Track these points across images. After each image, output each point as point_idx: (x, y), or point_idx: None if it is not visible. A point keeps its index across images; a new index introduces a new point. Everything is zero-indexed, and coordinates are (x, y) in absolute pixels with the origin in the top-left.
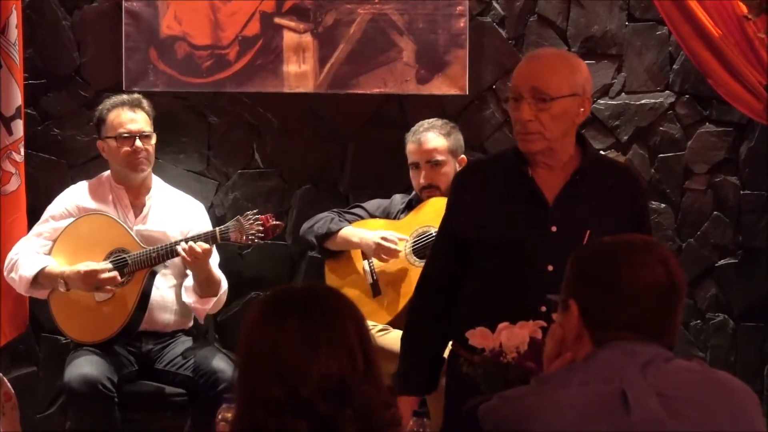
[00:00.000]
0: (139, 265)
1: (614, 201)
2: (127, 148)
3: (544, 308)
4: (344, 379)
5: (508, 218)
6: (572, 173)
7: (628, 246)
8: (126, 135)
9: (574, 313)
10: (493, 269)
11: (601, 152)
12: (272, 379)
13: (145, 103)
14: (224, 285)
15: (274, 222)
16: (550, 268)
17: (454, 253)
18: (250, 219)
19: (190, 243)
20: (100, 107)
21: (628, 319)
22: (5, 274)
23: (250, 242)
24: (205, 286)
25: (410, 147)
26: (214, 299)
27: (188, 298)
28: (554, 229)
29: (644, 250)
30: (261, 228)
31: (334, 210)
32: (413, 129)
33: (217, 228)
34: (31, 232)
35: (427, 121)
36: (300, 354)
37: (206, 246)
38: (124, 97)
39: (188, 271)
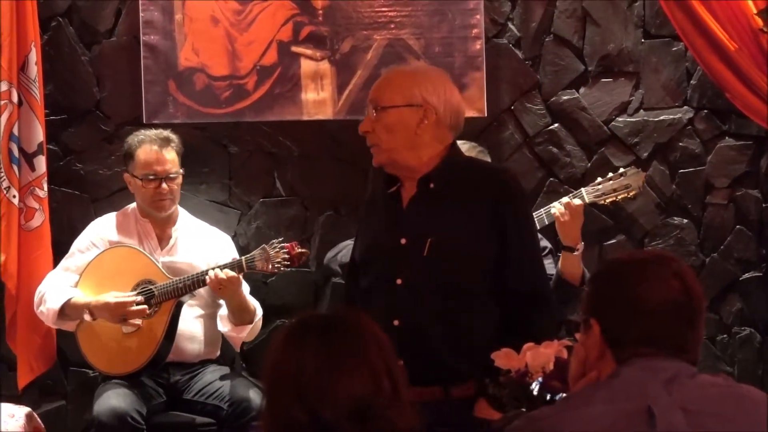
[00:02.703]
0: (166, 296)
1: (469, 206)
2: (151, 189)
3: (397, 322)
4: (368, 402)
5: (374, 236)
6: (418, 182)
7: (643, 262)
8: (152, 177)
9: (595, 331)
10: (363, 287)
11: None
12: (295, 402)
13: (174, 141)
14: (259, 312)
15: (300, 250)
16: (399, 281)
17: (352, 282)
18: (275, 247)
19: (216, 271)
20: (129, 140)
21: (647, 335)
22: (35, 308)
23: (276, 270)
24: (240, 314)
25: None
26: (250, 327)
27: (223, 327)
28: (403, 241)
29: (659, 265)
30: (287, 256)
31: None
32: None
33: (243, 257)
34: (59, 265)
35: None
36: (321, 376)
37: (232, 274)
38: (153, 133)
39: (221, 301)
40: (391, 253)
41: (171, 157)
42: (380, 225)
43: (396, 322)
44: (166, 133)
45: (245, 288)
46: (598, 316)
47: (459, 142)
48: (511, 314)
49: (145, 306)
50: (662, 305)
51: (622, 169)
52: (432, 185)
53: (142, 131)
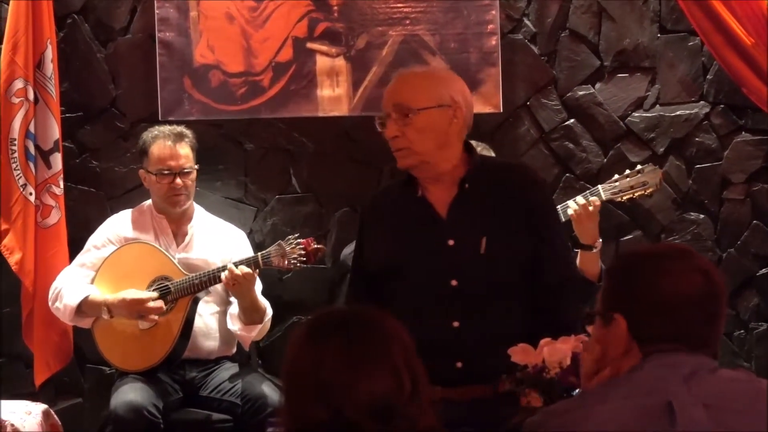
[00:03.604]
0: (182, 292)
1: (507, 204)
2: (165, 184)
3: (456, 323)
4: (389, 401)
5: (406, 241)
6: (458, 183)
7: (668, 257)
8: (166, 172)
9: (621, 327)
10: (401, 295)
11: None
12: (316, 400)
13: (188, 136)
14: (269, 312)
15: (316, 246)
16: (454, 282)
17: (364, 289)
18: (291, 243)
19: (231, 266)
20: (143, 136)
21: (672, 330)
22: (50, 304)
23: (292, 267)
24: (250, 313)
25: None
26: (259, 326)
27: (233, 325)
28: (451, 243)
29: (684, 260)
30: (303, 252)
31: None
32: None
33: (259, 253)
34: (74, 261)
35: None
36: (342, 374)
37: (248, 270)
38: (168, 129)
39: (232, 299)
40: (440, 256)
41: (185, 152)
42: (411, 229)
43: (455, 324)
44: (180, 128)
45: (258, 287)
46: (625, 312)
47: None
48: (544, 307)
49: (162, 303)
50: (687, 300)
51: (639, 166)
52: (467, 185)
53: (157, 127)
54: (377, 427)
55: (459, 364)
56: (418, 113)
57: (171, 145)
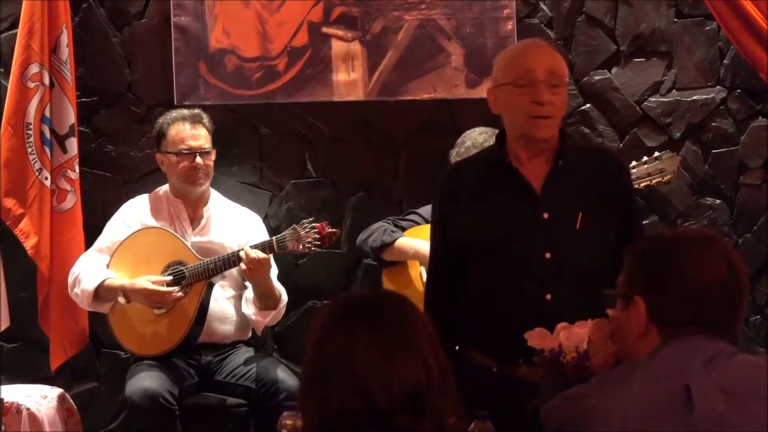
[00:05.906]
0: (197, 276)
1: (600, 184)
2: (186, 164)
3: (549, 296)
4: (421, 390)
5: (498, 214)
6: (554, 158)
7: (691, 242)
8: (186, 151)
9: (641, 309)
10: (492, 268)
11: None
12: (348, 389)
13: (205, 118)
14: (284, 298)
15: (331, 230)
16: (548, 255)
17: (451, 263)
18: (306, 227)
19: (247, 249)
20: (160, 120)
21: (694, 315)
22: (69, 290)
23: (307, 251)
24: (265, 299)
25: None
26: (274, 312)
27: (248, 309)
28: (546, 216)
29: (708, 247)
30: (317, 236)
31: (389, 218)
32: (459, 141)
33: (273, 237)
34: (93, 247)
35: (471, 131)
36: (375, 363)
37: (263, 255)
38: (185, 112)
39: (248, 283)
40: (534, 228)
41: (203, 133)
42: (503, 202)
43: (548, 296)
44: (197, 110)
45: (273, 273)
46: (645, 294)
47: (480, 129)
48: None
49: (181, 293)
50: (710, 287)
51: (656, 153)
52: (560, 162)
53: (173, 111)
54: (408, 417)
55: None
56: (565, 86)
57: (189, 126)
